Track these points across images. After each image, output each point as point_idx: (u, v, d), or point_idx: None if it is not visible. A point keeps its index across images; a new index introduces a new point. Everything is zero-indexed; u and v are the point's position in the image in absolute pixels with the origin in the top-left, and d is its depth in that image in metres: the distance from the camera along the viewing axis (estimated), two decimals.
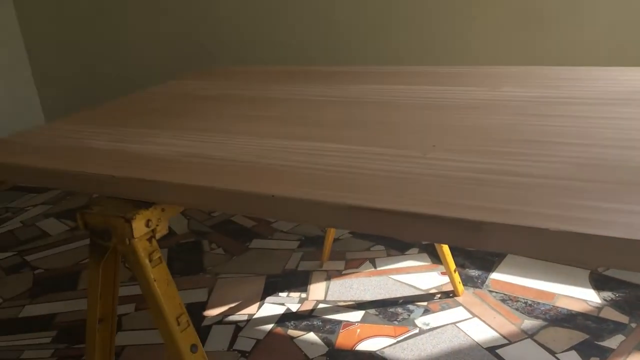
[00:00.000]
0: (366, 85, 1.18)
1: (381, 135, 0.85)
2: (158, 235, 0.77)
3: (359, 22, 2.06)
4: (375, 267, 1.73)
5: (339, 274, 1.71)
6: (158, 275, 0.75)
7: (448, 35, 1.93)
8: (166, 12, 2.44)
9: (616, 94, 0.98)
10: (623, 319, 1.38)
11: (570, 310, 1.43)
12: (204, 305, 1.60)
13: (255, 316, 1.52)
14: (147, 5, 2.47)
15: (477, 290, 1.56)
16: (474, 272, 1.65)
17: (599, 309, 1.43)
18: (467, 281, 1.60)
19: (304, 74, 1.36)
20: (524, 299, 1.50)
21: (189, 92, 1.27)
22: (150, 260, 0.75)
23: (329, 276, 1.70)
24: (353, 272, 1.71)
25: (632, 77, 1.08)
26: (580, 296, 1.49)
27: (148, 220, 0.75)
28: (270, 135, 0.90)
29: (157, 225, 0.76)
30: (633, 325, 1.35)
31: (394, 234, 0.62)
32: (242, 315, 1.54)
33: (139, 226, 0.74)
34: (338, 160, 0.76)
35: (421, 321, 1.44)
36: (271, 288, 1.66)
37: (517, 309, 1.45)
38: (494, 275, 1.62)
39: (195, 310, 1.58)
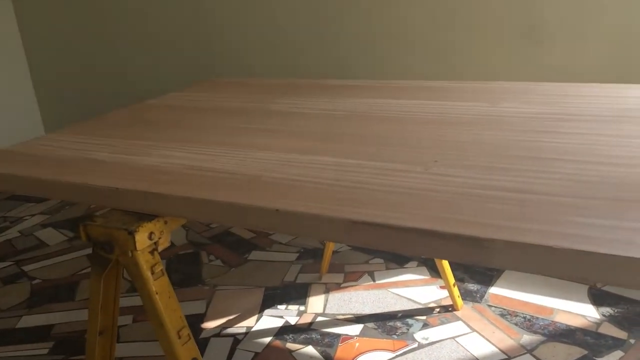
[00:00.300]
0: (368, 100, 1.19)
1: (384, 150, 0.85)
2: (160, 248, 0.77)
3: (362, 36, 2.07)
4: (374, 280, 1.73)
5: (337, 286, 1.71)
6: (160, 288, 0.76)
7: (450, 51, 1.94)
8: (169, 23, 2.45)
9: (616, 111, 0.99)
10: (622, 334, 1.38)
11: (569, 326, 1.43)
12: (202, 318, 1.60)
13: (253, 329, 1.52)
14: (150, 16, 2.49)
15: (476, 304, 1.56)
16: (473, 287, 1.65)
17: (598, 324, 1.43)
18: (466, 295, 1.60)
19: (306, 87, 1.37)
20: (523, 313, 1.50)
21: (191, 104, 1.27)
22: (153, 273, 0.75)
23: (328, 289, 1.70)
24: (352, 285, 1.71)
25: (633, 95, 1.09)
26: (579, 311, 1.49)
27: (151, 233, 0.75)
28: (273, 148, 0.90)
29: (160, 238, 0.77)
30: (632, 341, 1.35)
31: (396, 249, 0.62)
32: (240, 327, 1.53)
33: (141, 239, 0.74)
34: (341, 175, 0.77)
35: (420, 335, 1.44)
36: (270, 300, 1.66)
37: (516, 324, 1.45)
38: (493, 290, 1.62)
39: (193, 322, 1.57)
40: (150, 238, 0.75)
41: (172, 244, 2.08)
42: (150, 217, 0.77)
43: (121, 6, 2.54)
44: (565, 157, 0.78)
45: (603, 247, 0.53)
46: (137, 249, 0.74)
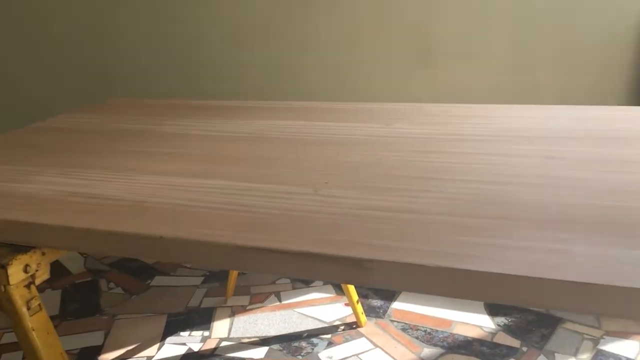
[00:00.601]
0: (261, 121, 1.19)
1: (275, 172, 0.85)
2: (38, 281, 0.73)
3: (259, 58, 2.08)
4: (280, 301, 1.72)
5: (243, 309, 1.68)
6: (37, 324, 0.71)
7: (342, 72, 1.99)
8: (61, 42, 2.35)
9: (502, 130, 1.04)
10: (515, 343, 1.45)
11: (467, 337, 1.48)
12: (100, 349, 1.52)
13: (154, 358, 1.46)
14: (41, 35, 2.37)
15: (380, 320, 1.58)
16: (376, 302, 1.67)
17: (493, 334, 1.49)
18: (370, 311, 1.63)
19: (201, 108, 1.35)
20: (423, 327, 1.54)
21: (79, 127, 1.22)
22: (29, 308, 0.71)
23: (234, 312, 1.67)
24: (258, 307, 1.69)
25: (518, 115, 1.16)
26: (476, 322, 1.55)
27: (26, 266, 0.71)
28: (161, 172, 0.88)
29: (37, 270, 0.72)
30: (524, 349, 1.42)
31: (282, 273, 0.62)
32: (139, 358, 1.47)
33: (15, 272, 0.69)
34: (230, 198, 0.76)
35: (325, 354, 1.44)
36: (172, 327, 1.60)
37: (417, 338, 1.49)
38: (396, 305, 1.66)
39: (90, 356, 1.49)
40: (25, 271, 0.71)
41: (69, 272, 1.97)
42: (26, 248, 0.72)
43: (9, 27, 2.41)
44: (449, 177, 0.81)
45: (475, 264, 0.56)
46: (10, 283, 0.69)
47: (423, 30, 1.86)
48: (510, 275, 0.54)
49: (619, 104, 1.73)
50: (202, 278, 1.88)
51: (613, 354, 1.38)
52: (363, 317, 1.56)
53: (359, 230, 0.64)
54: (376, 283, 0.58)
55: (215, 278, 1.88)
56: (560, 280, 0.52)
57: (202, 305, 1.72)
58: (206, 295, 1.78)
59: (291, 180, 0.81)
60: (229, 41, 2.11)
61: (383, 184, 0.79)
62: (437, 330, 1.52)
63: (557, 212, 0.66)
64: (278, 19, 2.01)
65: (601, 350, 1.40)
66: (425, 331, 1.52)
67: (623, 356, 1.37)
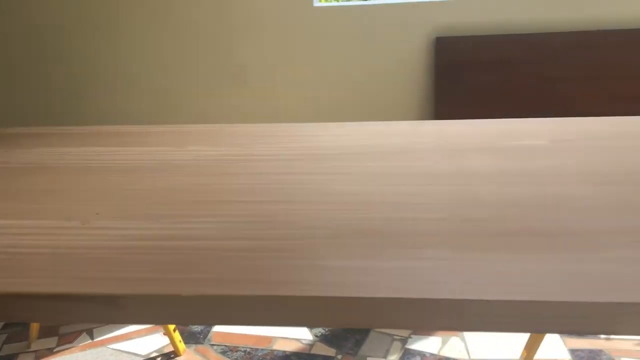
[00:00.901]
0: (42, 149, 1.09)
1: (42, 206, 0.79)
2: None
3: (66, 80, 1.95)
4: (92, 339, 1.60)
5: (50, 352, 1.55)
6: None
7: (161, 94, 1.93)
8: None
9: (300, 150, 1.05)
10: (331, 352, 1.49)
11: (286, 352, 1.50)
12: None
13: None
14: None
15: (199, 346, 1.54)
16: (196, 328, 1.63)
17: (311, 345, 1.52)
18: (190, 338, 1.58)
19: None
20: (243, 347, 1.52)
21: None
22: None
23: (38, 357, 1.53)
24: (67, 348, 1.56)
25: (313, 133, 1.19)
26: (296, 336, 1.57)
27: None
28: None
29: None
30: (339, 356, 1.47)
31: (37, 319, 0.57)
32: None
33: None
34: None
35: None
36: None
37: (236, 359, 1.47)
38: (216, 328, 1.63)
39: None
40: None
41: None
42: None
43: None
44: (235, 199, 0.80)
45: (238, 288, 0.55)
46: None
47: (234, 50, 1.87)
48: (269, 296, 0.54)
49: (418, 118, 1.88)
50: (2, 323, 1.70)
51: (419, 351, 1.48)
52: (181, 345, 1.51)
53: (116, 265, 0.61)
54: (132, 319, 0.55)
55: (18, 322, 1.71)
56: (315, 297, 0.53)
57: (1, 353, 1.55)
58: (6, 341, 1.61)
59: (59, 214, 0.75)
60: (30, 62, 1.95)
61: (161, 212, 0.76)
62: (257, 349, 1.51)
63: (329, 227, 0.68)
64: (81, 41, 1.90)
65: (409, 350, 1.49)
66: (245, 351, 1.51)
67: (427, 352, 1.47)
